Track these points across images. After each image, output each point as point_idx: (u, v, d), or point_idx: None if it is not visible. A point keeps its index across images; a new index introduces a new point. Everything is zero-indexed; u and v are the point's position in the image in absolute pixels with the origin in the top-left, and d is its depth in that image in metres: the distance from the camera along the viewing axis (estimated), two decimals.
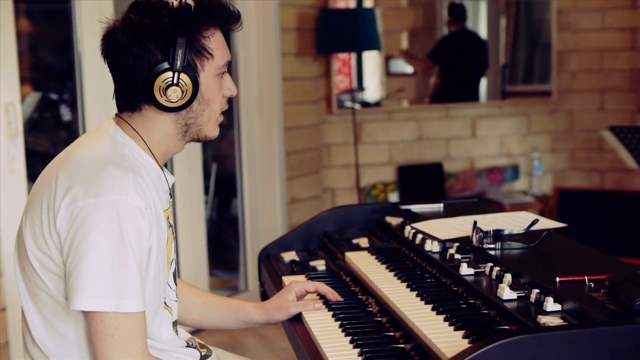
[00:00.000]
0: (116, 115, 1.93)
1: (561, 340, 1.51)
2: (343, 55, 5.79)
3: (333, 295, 2.15)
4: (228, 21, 1.91)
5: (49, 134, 5.09)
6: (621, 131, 4.68)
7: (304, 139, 5.41)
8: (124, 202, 1.70)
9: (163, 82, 1.80)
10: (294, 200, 5.31)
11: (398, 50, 6.27)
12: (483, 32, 6.49)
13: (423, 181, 5.98)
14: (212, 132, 1.95)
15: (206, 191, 5.27)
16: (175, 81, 1.80)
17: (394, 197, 5.82)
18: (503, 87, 6.52)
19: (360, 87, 6.27)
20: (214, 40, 1.88)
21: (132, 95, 1.85)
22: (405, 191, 5.88)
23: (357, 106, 5.85)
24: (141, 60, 1.81)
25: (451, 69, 6.32)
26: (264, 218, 5.20)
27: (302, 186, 5.39)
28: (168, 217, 1.90)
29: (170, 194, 1.96)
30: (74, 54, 4.24)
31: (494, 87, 6.49)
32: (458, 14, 6.31)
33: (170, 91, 1.81)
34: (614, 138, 4.68)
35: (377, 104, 6.21)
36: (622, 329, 1.54)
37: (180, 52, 1.79)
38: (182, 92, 1.82)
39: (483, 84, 6.46)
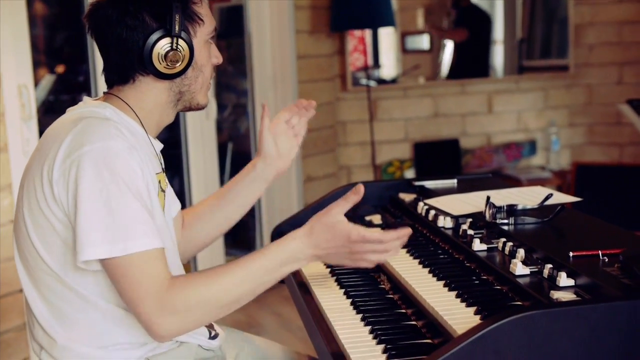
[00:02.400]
0: (104, 93, 1.93)
1: (574, 316, 1.48)
2: (358, 33, 5.76)
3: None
4: None
5: None
6: (639, 104, 4.63)
7: (319, 116, 5.35)
8: (108, 146, 1.70)
9: (162, 48, 1.82)
10: (310, 179, 5.30)
11: (428, 26, 6.23)
12: (500, 6, 6.45)
13: (439, 158, 5.95)
14: (204, 99, 1.97)
15: (222, 171, 5.26)
16: (174, 46, 1.82)
17: (410, 174, 5.80)
18: (520, 62, 6.47)
19: (376, 64, 6.23)
20: (203, 7, 1.90)
21: (127, 68, 1.86)
22: (422, 168, 5.86)
23: (373, 83, 5.82)
24: (135, 31, 1.82)
25: (464, 44, 6.29)
26: (279, 196, 5.19)
27: (317, 164, 5.37)
28: (160, 181, 1.90)
29: (160, 160, 1.96)
30: (87, 36, 4.23)
31: (510, 62, 6.44)
32: None
33: (170, 57, 1.82)
34: (632, 111, 4.63)
35: (393, 81, 6.18)
36: (637, 303, 1.51)
37: (177, 17, 1.81)
38: (181, 57, 1.84)
39: (498, 58, 6.41)
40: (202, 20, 1.88)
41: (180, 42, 1.83)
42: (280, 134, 2.23)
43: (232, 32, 5.43)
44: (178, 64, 1.84)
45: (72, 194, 1.70)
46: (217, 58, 1.97)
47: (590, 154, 6.27)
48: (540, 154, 6.22)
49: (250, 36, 5.12)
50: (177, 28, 1.81)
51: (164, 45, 1.81)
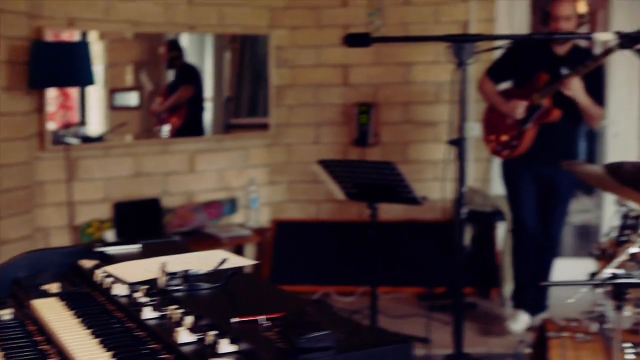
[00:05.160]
0: None
1: None
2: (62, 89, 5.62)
3: None
4: None
5: None
6: (330, 164, 4.87)
7: (14, 177, 5.18)
8: None
9: None
10: (4, 242, 5.06)
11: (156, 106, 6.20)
12: (209, 65, 6.54)
13: (140, 217, 5.91)
14: None
15: None
16: None
17: (110, 235, 5.70)
18: (227, 121, 6.59)
19: (83, 121, 6.11)
20: None
21: None
22: (123, 228, 5.77)
23: (77, 141, 5.69)
24: None
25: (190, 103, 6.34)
26: None
27: (11, 227, 5.14)
28: None
29: None
30: None
31: (217, 121, 6.55)
32: (180, 49, 6.34)
33: None
34: (323, 171, 4.86)
35: (100, 138, 6.08)
36: None
37: None
38: None
39: (207, 116, 6.50)
40: None
41: None
42: None
43: None
44: None
45: None
46: None
47: (290, 210, 6.50)
48: (241, 211, 6.36)
49: None
50: None
51: None
